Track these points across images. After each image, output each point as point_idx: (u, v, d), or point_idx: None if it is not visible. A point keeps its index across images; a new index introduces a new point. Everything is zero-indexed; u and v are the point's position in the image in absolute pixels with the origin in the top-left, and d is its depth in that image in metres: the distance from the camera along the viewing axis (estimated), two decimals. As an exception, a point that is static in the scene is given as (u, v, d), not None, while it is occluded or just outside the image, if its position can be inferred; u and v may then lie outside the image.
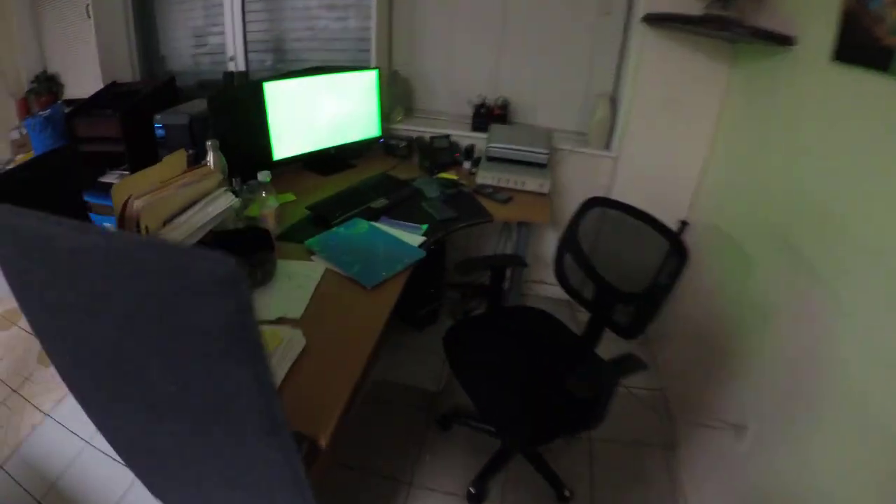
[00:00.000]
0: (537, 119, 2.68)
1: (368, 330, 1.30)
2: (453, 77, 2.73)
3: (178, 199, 1.51)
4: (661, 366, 2.37)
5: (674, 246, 1.44)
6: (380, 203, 1.92)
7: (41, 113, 3.38)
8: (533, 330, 1.78)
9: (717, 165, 2.19)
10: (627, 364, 1.33)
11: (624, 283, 1.60)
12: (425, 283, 2.43)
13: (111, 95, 3.19)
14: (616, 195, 2.46)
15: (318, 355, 1.21)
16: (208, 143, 1.80)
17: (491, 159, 2.31)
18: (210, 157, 1.78)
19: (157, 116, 2.68)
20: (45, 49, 3.79)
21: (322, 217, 1.82)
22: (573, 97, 2.59)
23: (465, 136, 2.59)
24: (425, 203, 1.98)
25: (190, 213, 1.53)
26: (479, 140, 2.52)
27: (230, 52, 3.14)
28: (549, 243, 2.73)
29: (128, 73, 3.56)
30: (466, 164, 2.42)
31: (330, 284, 1.48)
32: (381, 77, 2.44)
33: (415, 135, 2.62)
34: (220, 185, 1.66)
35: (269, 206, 1.72)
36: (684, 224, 2.34)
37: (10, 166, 3.69)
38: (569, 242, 1.73)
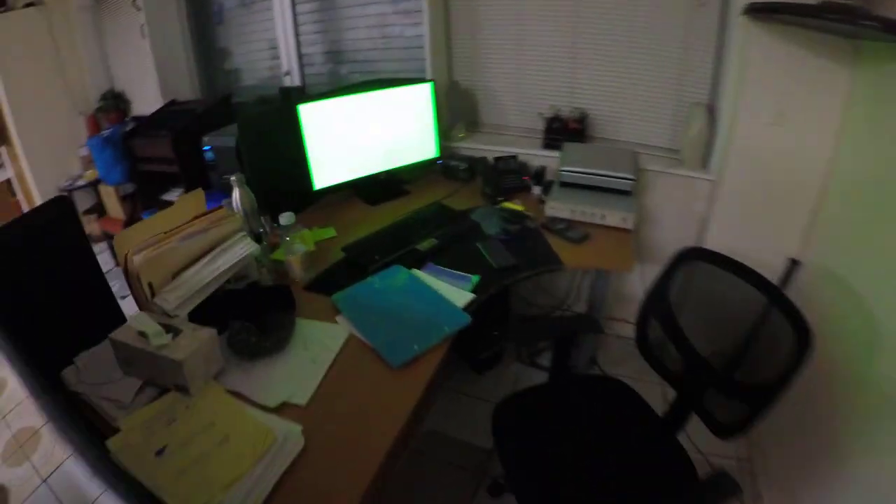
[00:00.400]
0: (620, 133, 2.29)
1: (389, 422, 1.03)
2: (522, 86, 2.40)
3: (185, 249, 1.30)
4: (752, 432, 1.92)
5: (795, 325, 1.05)
6: (427, 244, 1.64)
7: (102, 133, 3.40)
8: (602, 411, 1.42)
9: (837, 192, 1.72)
10: (715, 494, 0.98)
11: (721, 362, 1.22)
12: (488, 321, 2.12)
13: (168, 115, 3.14)
14: (715, 226, 2.09)
15: (320, 458, 0.97)
16: (232, 178, 1.60)
17: (564, 185, 1.96)
18: (235, 195, 1.57)
19: (205, 138, 2.57)
20: (111, 68, 3.86)
21: (357, 263, 1.56)
22: (662, 107, 2.18)
23: (535, 154, 2.26)
24: (481, 244, 1.67)
25: (200, 264, 1.32)
26: (551, 160, 2.18)
27: (284, 67, 2.99)
28: (633, 282, 2.34)
29: (189, 90, 3.51)
30: (536, 190, 2.09)
31: (351, 356, 1.22)
32: (437, 90, 2.16)
33: (478, 154, 2.32)
34: (239, 230, 1.45)
35: (294, 252, 1.49)
36: (794, 263, 1.88)
37: (80, 182, 3.77)
38: (656, 305, 1.37)
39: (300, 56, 2.91)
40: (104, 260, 3.72)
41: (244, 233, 1.46)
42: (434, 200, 2.01)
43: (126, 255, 1.22)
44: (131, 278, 1.25)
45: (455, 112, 2.40)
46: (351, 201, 2.10)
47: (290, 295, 1.36)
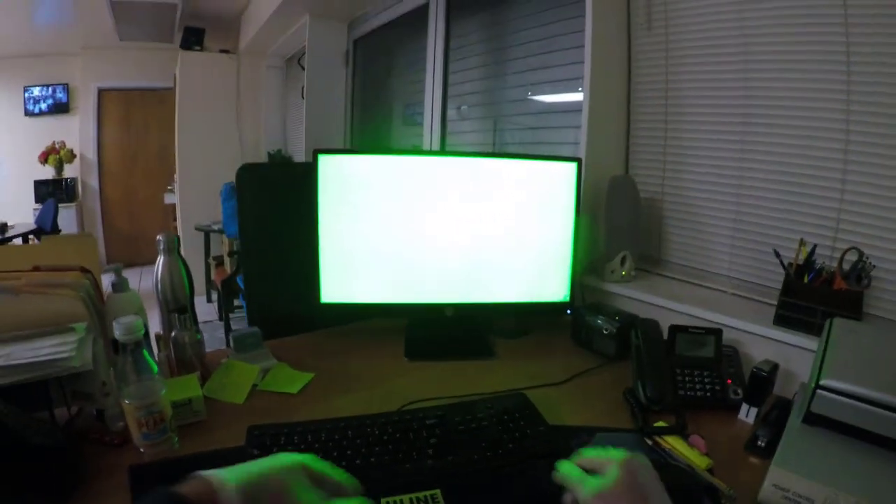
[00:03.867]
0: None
1: None
2: (745, 202, 1.31)
3: None
4: None
5: None
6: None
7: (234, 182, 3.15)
8: None
9: None
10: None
11: None
12: None
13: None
14: None
15: None
16: (159, 236, 0.93)
17: (813, 421, 0.80)
18: (158, 266, 0.93)
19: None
20: (288, 129, 3.77)
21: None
22: None
23: (756, 336, 1.14)
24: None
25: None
26: (790, 351, 1.06)
27: (426, 140, 2.34)
28: None
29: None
30: (745, 413, 0.97)
31: None
32: (587, 182, 1.23)
33: (646, 310, 1.28)
34: (76, 318, 0.80)
35: (144, 395, 0.71)
36: None
37: (215, 226, 3.58)
38: None
39: (444, 127, 2.24)
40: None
41: (82, 326, 0.73)
42: (515, 391, 0.99)
43: None
44: None
45: (619, 233, 1.40)
46: (384, 339, 1.23)
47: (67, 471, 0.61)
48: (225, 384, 0.94)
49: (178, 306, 0.97)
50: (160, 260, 0.95)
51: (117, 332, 0.70)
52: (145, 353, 0.73)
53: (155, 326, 1.01)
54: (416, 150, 1.05)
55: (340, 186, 1.09)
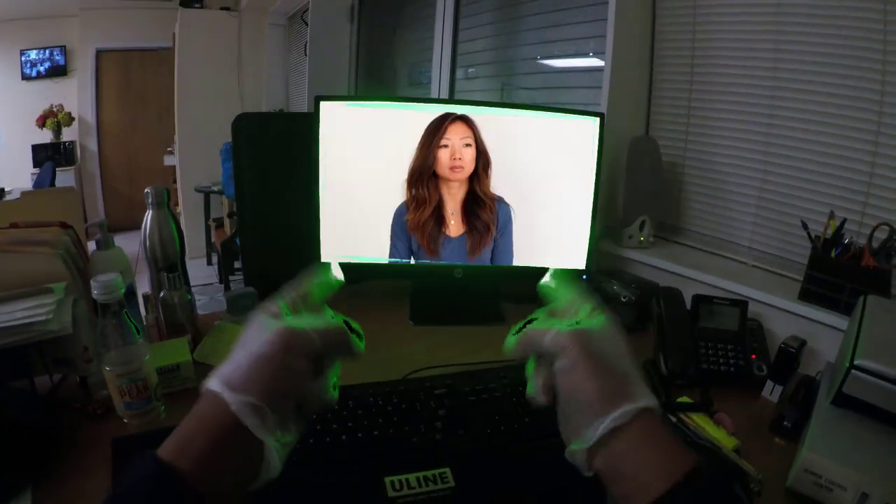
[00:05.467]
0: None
1: None
2: (771, 172, 1.24)
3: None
4: None
5: None
6: None
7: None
8: None
9: None
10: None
11: None
12: None
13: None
14: None
15: None
16: (147, 189, 0.87)
17: (845, 403, 0.74)
18: (146, 220, 0.89)
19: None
20: (290, 88, 3.67)
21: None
22: None
23: (781, 310, 1.08)
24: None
25: None
26: (818, 329, 1.00)
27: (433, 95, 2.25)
28: None
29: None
30: (770, 392, 0.92)
31: None
32: (610, 140, 1.14)
33: (666, 279, 1.22)
34: (55, 277, 0.75)
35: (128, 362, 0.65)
36: None
37: (215, 188, 3.52)
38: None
39: (452, 83, 2.14)
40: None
41: (61, 287, 0.69)
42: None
43: None
44: None
45: (639, 197, 1.32)
46: (388, 302, 1.17)
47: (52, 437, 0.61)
48: (217, 348, 0.88)
49: (167, 264, 0.91)
50: (148, 214, 0.88)
51: (95, 292, 0.64)
52: (126, 314, 0.66)
53: (145, 288, 0.95)
54: (425, 99, 0.99)
55: (343, 137, 1.02)
